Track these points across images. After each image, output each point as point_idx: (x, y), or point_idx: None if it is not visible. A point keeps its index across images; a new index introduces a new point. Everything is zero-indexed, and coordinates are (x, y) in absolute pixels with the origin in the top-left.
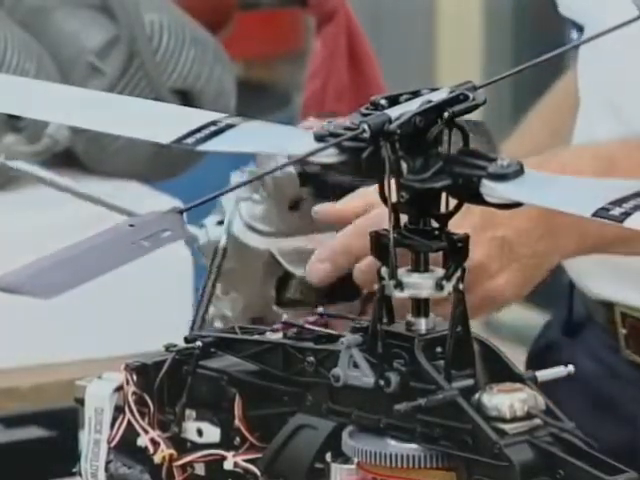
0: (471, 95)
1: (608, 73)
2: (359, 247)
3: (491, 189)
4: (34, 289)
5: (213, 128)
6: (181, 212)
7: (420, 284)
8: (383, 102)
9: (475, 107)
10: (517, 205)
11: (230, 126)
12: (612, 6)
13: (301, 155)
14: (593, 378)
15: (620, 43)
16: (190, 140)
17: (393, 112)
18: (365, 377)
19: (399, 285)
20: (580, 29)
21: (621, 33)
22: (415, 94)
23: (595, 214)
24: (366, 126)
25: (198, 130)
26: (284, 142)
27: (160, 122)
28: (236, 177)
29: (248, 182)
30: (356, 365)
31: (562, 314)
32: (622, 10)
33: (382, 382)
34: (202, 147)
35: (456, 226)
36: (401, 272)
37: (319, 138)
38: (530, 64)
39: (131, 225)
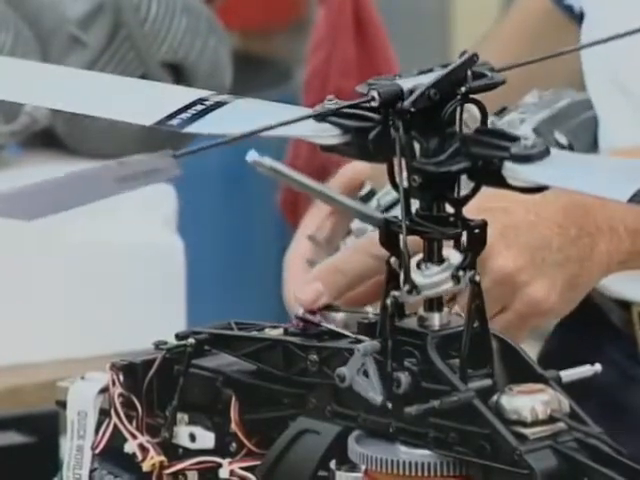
0: (489, 74)
1: (611, 49)
2: (354, 264)
3: (514, 171)
4: (11, 211)
5: (200, 107)
6: (174, 157)
7: (435, 282)
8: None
9: (495, 85)
10: (543, 189)
11: (220, 104)
12: None
13: (300, 135)
14: (608, 384)
15: (623, 20)
16: (175, 121)
17: (405, 83)
18: (372, 392)
19: (413, 289)
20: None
21: (623, 12)
22: (428, 72)
23: (632, 199)
24: (376, 93)
25: (184, 109)
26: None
27: (143, 101)
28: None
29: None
30: (366, 374)
31: (575, 313)
32: None
33: (392, 383)
34: (189, 129)
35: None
36: (412, 274)
37: (320, 117)
38: (550, 55)
39: (120, 163)
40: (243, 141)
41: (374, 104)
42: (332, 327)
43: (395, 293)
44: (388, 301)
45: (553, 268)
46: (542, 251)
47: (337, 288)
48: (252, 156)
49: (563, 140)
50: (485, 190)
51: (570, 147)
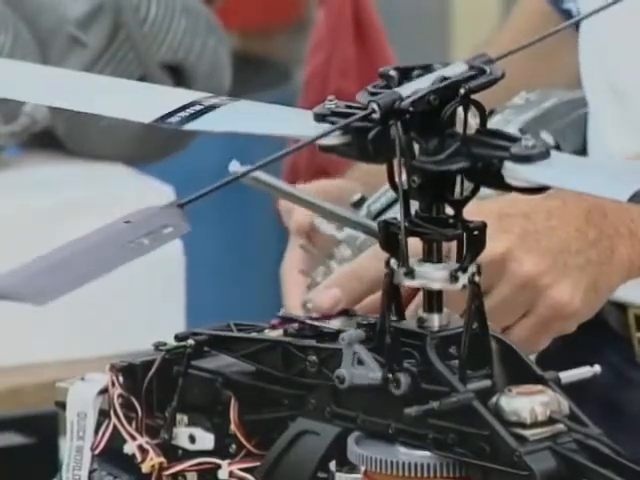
0: (488, 69)
1: (608, 52)
2: (372, 271)
3: (514, 171)
4: (26, 295)
5: (198, 107)
6: (181, 206)
7: (432, 273)
8: (393, 73)
9: (493, 82)
10: (543, 189)
11: (217, 106)
12: None
13: (299, 136)
14: (605, 386)
15: (619, 25)
16: (174, 119)
17: (404, 90)
18: (372, 372)
19: (410, 273)
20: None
21: (620, 16)
22: (427, 68)
23: (632, 198)
24: (376, 106)
25: (182, 109)
26: (279, 122)
27: (142, 101)
28: (234, 167)
29: (250, 170)
30: (361, 362)
31: None
32: None
33: (391, 383)
34: (187, 126)
35: (493, 240)
36: (412, 262)
37: (320, 118)
38: (545, 35)
39: (127, 222)
40: (242, 142)
41: (375, 116)
42: (315, 323)
43: (393, 267)
44: (386, 269)
45: (575, 271)
46: (562, 254)
47: (355, 294)
48: (234, 166)
49: (550, 140)
50: (506, 196)
51: (557, 147)
